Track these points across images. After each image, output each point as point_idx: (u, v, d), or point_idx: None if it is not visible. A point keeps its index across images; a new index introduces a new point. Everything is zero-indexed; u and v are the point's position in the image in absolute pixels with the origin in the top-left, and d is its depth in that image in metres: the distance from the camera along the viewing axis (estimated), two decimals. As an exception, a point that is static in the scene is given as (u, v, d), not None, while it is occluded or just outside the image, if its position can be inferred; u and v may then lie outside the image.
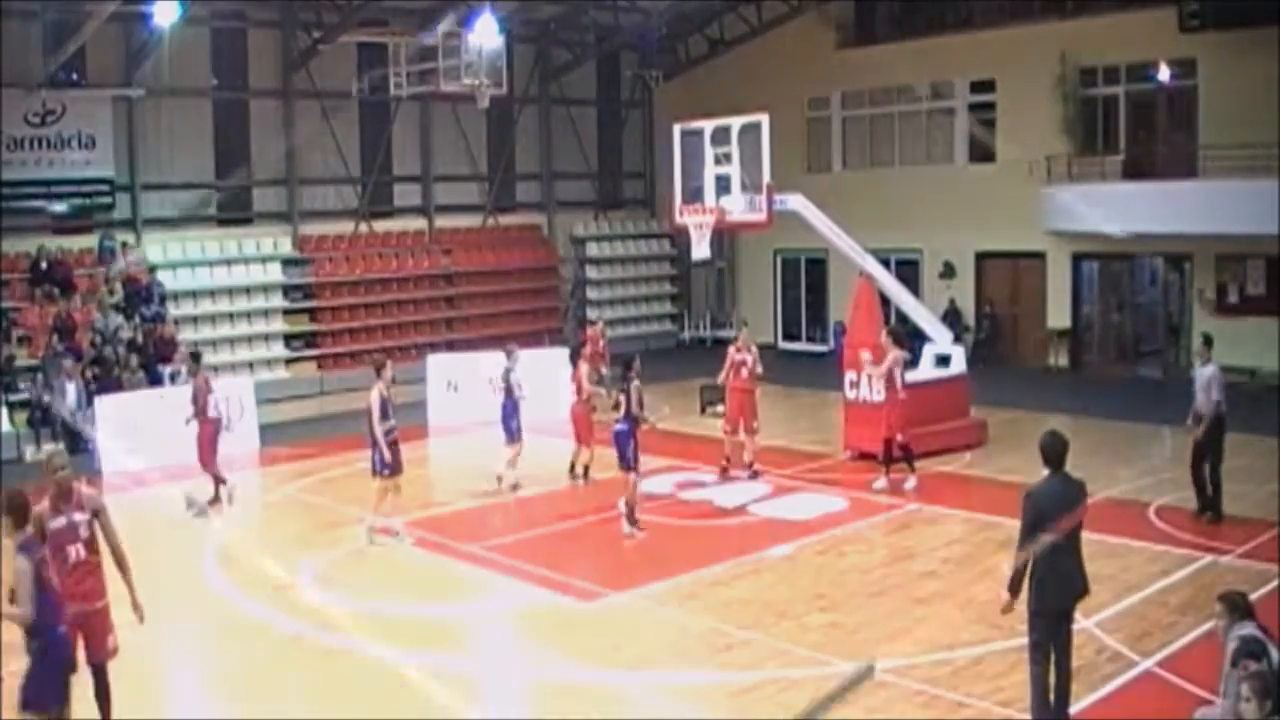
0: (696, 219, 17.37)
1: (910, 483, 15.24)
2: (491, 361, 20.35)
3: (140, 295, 22.17)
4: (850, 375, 17.11)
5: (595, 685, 9.49)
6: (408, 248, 27.45)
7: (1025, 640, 8.18)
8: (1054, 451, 8.03)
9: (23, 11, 20.99)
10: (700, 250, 17.36)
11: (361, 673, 9.71)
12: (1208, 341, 13.92)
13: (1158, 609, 10.74)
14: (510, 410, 15.75)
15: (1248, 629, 6.62)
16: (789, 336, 29.68)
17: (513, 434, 15.76)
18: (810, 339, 29.16)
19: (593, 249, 30.77)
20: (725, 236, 26.44)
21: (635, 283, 31.22)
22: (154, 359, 20.95)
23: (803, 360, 27.25)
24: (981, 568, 12.00)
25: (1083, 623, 10.03)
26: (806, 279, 29.33)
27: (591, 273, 30.55)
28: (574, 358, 16.46)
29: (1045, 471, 8.07)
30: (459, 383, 21.03)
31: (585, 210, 31.29)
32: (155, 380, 20.26)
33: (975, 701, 8.84)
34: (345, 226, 26.82)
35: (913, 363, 17.73)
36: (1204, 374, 13.50)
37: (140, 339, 21.23)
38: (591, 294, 30.31)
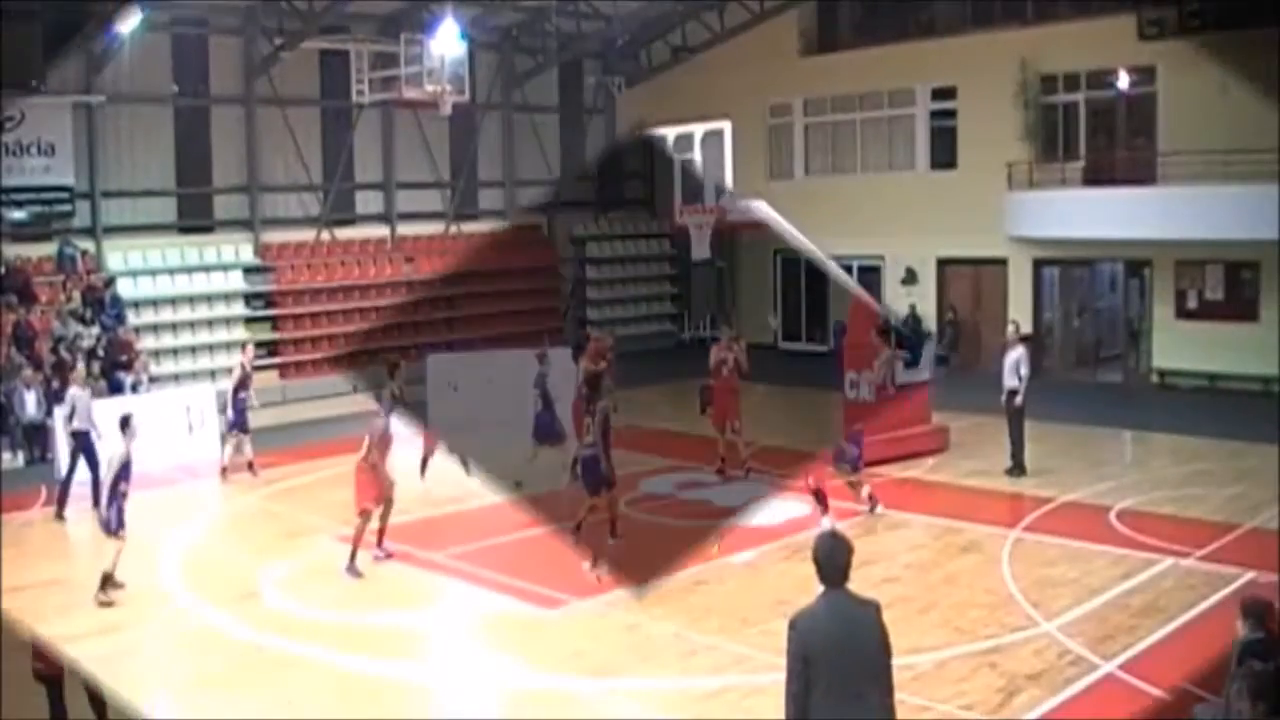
0: (697, 219, 17.41)
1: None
2: (491, 361, 20.47)
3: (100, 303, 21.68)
4: (850, 375, 17.10)
5: (559, 691, 9.49)
6: (418, 251, 27.43)
7: (988, 644, 8.00)
8: (833, 563, 5.61)
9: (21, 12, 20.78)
10: (700, 250, 17.41)
11: (326, 681, 9.71)
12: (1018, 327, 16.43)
13: (1119, 612, 10.79)
14: (550, 418, 15.61)
15: (1258, 634, 6.82)
16: (789, 336, 29.66)
17: (559, 436, 15.48)
18: (810, 339, 29.14)
19: (593, 249, 30.81)
20: (725, 236, 26.41)
21: (635, 283, 31.24)
22: (113, 366, 20.44)
23: (803, 360, 27.23)
24: (944, 572, 12.12)
25: (1044, 626, 10.28)
26: (806, 279, 29.32)
27: (591, 273, 30.57)
28: (576, 355, 16.48)
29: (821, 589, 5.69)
30: (459, 383, 21.00)
31: (585, 210, 31.31)
32: (116, 388, 19.79)
33: (938, 705, 8.85)
34: (308, 235, 26.33)
35: (912, 361, 17.70)
36: (1012, 356, 15.75)
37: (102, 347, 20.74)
38: (591, 294, 30.33)
